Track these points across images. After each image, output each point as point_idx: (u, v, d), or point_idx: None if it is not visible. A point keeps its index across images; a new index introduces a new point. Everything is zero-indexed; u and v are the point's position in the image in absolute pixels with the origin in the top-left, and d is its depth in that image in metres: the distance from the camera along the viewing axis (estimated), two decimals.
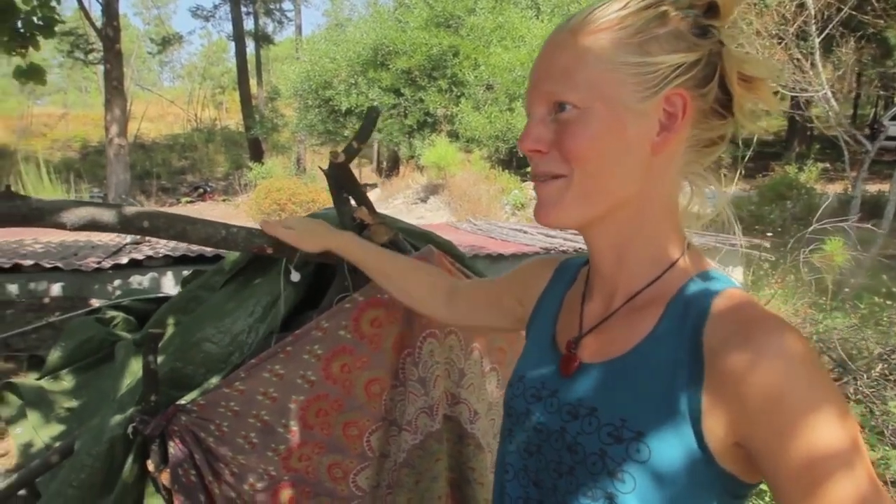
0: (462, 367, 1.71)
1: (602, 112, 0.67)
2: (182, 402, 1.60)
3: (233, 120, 24.28)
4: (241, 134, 20.42)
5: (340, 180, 1.60)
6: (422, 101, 14.42)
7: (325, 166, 1.55)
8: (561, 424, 0.73)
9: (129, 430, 1.68)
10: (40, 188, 10.19)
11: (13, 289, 3.60)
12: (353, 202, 1.66)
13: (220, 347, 1.66)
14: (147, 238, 4.84)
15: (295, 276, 1.51)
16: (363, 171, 16.27)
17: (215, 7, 19.96)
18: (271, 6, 19.42)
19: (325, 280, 1.70)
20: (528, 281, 0.98)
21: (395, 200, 14.38)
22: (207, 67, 28.45)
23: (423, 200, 13.97)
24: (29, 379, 2.70)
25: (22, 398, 2.63)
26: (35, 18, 3.30)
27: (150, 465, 1.75)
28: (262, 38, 18.77)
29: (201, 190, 14.77)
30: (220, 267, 1.89)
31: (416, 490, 1.64)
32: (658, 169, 0.71)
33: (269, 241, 1.38)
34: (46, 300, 3.57)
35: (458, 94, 14.71)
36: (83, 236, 5.48)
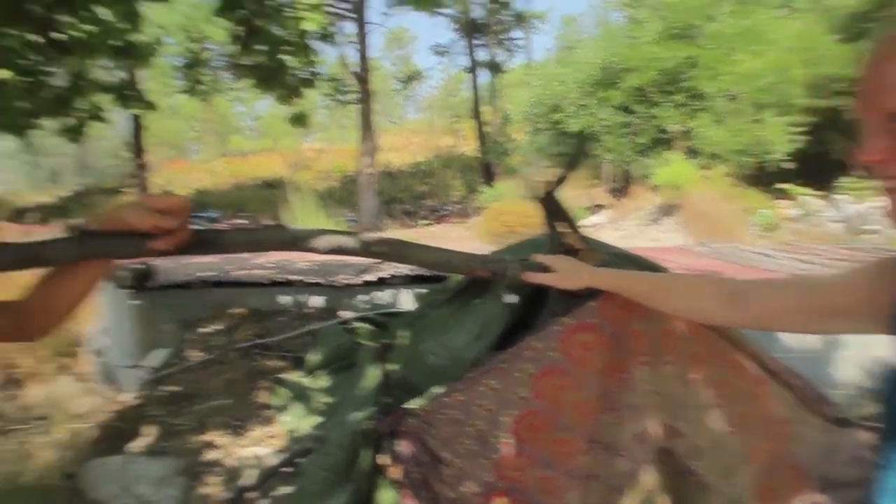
0: (680, 398, 1.66)
1: None
2: (409, 405, 1.80)
3: (469, 146, 25.83)
4: (474, 159, 21.66)
5: (551, 207, 1.68)
6: (655, 117, 13.86)
7: (539, 193, 1.64)
8: None
9: (367, 426, 1.94)
10: (307, 214, 11.95)
11: (286, 300, 4.32)
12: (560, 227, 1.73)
13: (441, 360, 1.84)
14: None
15: (511, 298, 1.62)
16: (593, 193, 16.11)
17: (452, 43, 21.70)
18: (502, 37, 20.43)
19: (538, 302, 1.79)
20: (872, 284, 0.97)
21: (625, 222, 14.00)
22: (445, 98, 30.81)
23: (656, 222, 13.39)
24: (294, 376, 3.22)
25: (289, 392, 3.14)
26: (300, 74, 3.96)
27: (383, 460, 1.99)
28: (493, 68, 19.78)
29: (438, 213, 15.94)
30: (444, 287, 2.09)
31: None
32: None
33: (485, 265, 1.52)
34: (311, 311, 4.20)
35: (696, 107, 13.84)
36: (340, 257, 6.26)
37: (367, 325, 3.43)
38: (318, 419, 2.93)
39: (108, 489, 2.69)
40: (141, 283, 4.27)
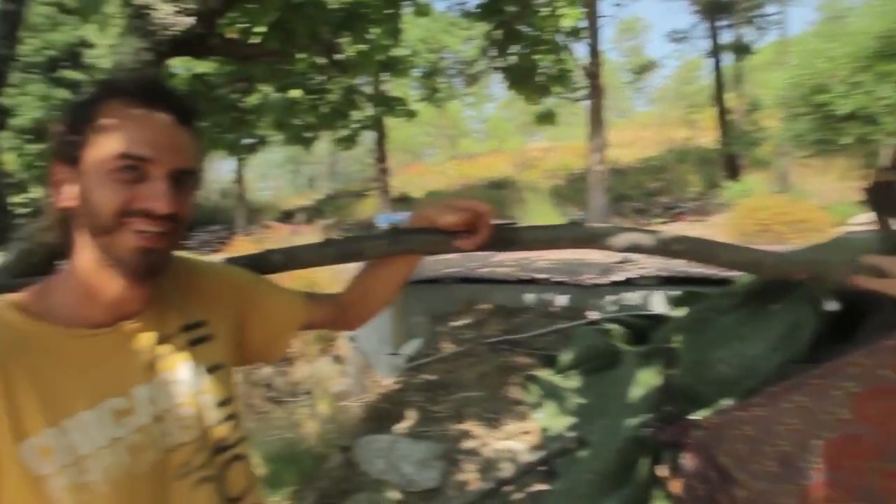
0: None
1: None
2: (695, 417, 1.66)
3: (706, 138, 23.91)
4: (714, 151, 19.96)
5: (883, 201, 1.41)
6: None
7: (868, 183, 1.38)
8: None
9: (645, 433, 1.83)
10: (539, 213, 12.04)
11: (529, 298, 4.36)
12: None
13: (732, 370, 1.66)
14: (631, 259, 5.17)
15: (831, 306, 1.39)
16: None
17: (692, 27, 20.14)
18: (751, 14, 18.44)
19: (857, 312, 1.52)
20: None
21: None
22: (679, 87, 28.86)
23: None
24: (545, 374, 3.22)
25: (541, 390, 3.14)
26: (550, 72, 3.95)
27: (663, 471, 1.86)
28: (740, 50, 17.95)
29: (673, 211, 14.99)
30: (731, 290, 1.89)
31: None
32: None
33: (802, 266, 1.31)
34: (555, 309, 4.19)
35: None
36: (578, 256, 6.15)
37: (618, 327, 3.31)
38: (571, 419, 2.88)
39: (377, 465, 2.94)
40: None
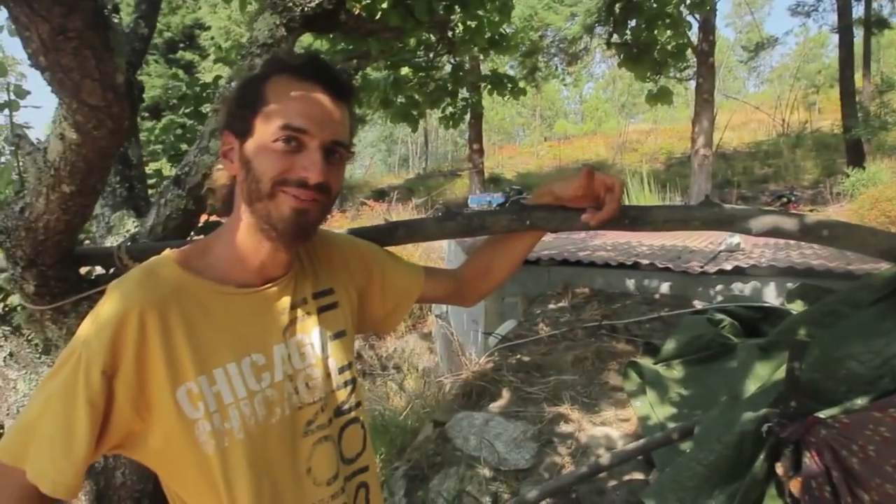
0: None
1: None
2: (821, 414, 1.56)
3: (826, 121, 22.15)
4: (835, 136, 18.47)
5: None
6: None
7: None
8: None
9: (764, 429, 1.74)
10: (641, 197, 11.66)
11: (630, 283, 4.24)
12: None
13: (867, 368, 1.54)
14: (741, 248, 4.91)
15: None
16: None
17: (818, 1, 18.47)
18: None
19: None
20: None
21: None
22: (801, 66, 26.76)
23: None
24: (647, 362, 3.13)
25: (641, 377, 3.06)
26: (669, 47, 3.77)
27: (780, 469, 1.77)
28: (876, 24, 16.35)
29: (785, 199, 14.04)
30: (869, 283, 1.75)
31: None
32: None
33: None
34: (657, 296, 4.05)
35: None
36: (679, 241, 5.92)
37: (730, 318, 3.16)
38: (673, 410, 2.80)
39: (470, 441, 2.97)
40: None
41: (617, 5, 3.24)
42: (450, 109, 3.85)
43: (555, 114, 40.04)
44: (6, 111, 1.40)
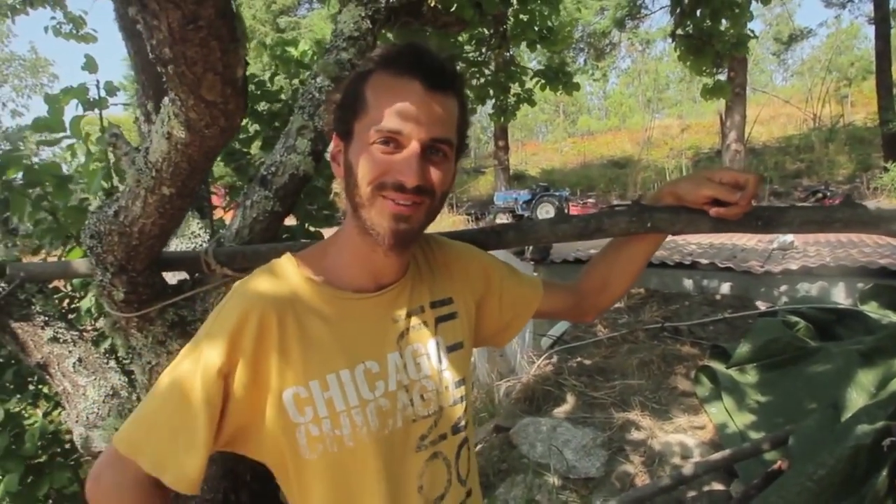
0: None
1: None
2: None
3: (859, 115, 21.63)
4: (870, 130, 18.02)
5: None
6: None
7: None
8: None
9: (886, 442, 1.63)
10: None
11: (688, 283, 4.11)
12: None
13: None
14: (795, 247, 4.74)
15: None
16: None
17: None
18: None
19: None
20: None
21: None
22: (833, 58, 26.13)
23: None
24: (719, 366, 3.00)
25: (714, 383, 2.94)
26: (728, 39, 3.62)
27: None
28: None
29: (819, 194, 13.71)
30: None
31: None
32: None
33: None
34: (718, 296, 3.92)
35: None
36: (727, 239, 5.76)
37: (804, 321, 3.03)
38: (752, 417, 2.68)
39: (537, 448, 2.88)
40: (543, 256, 4.54)
41: None
42: (500, 103, 3.75)
43: (578, 110, 39.71)
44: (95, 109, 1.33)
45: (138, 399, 1.91)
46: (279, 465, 0.82)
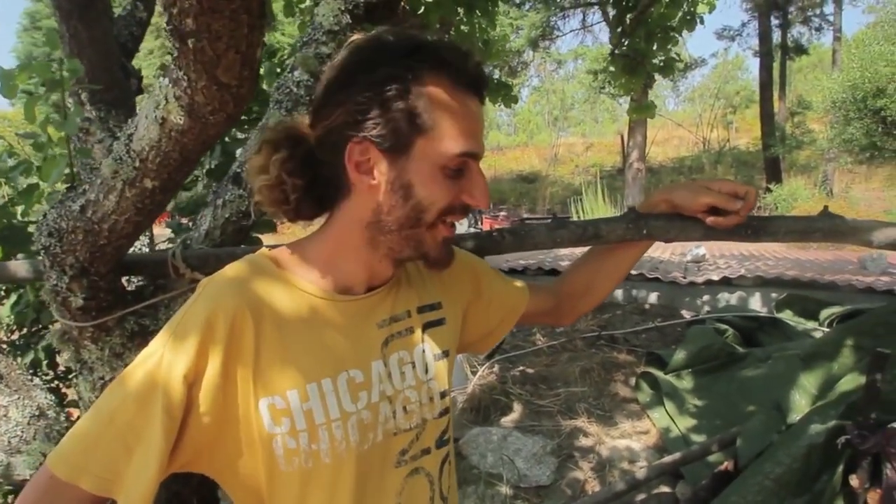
0: None
1: None
2: None
3: (742, 140, 23.50)
4: (751, 154, 19.64)
5: None
6: None
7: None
8: None
9: (841, 440, 1.72)
10: (595, 206, 11.94)
11: (618, 293, 4.26)
12: None
13: None
14: (706, 259, 5.04)
15: None
16: None
17: (743, 25, 19.59)
18: (809, 13, 17.97)
19: None
20: None
21: None
22: (718, 87, 28.35)
23: None
24: (658, 373, 3.11)
25: (654, 388, 3.04)
26: (657, 62, 3.82)
27: (856, 481, 1.75)
28: (794, 50, 17.53)
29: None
30: None
31: None
32: None
33: None
34: (647, 306, 4.08)
35: None
36: (655, 253, 5.98)
37: (728, 328, 3.20)
38: (693, 421, 2.78)
39: (488, 459, 2.85)
40: None
41: (628, 16, 3.24)
42: None
43: (488, 125, 40.59)
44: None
45: (68, 420, 1.72)
46: (250, 487, 0.74)
